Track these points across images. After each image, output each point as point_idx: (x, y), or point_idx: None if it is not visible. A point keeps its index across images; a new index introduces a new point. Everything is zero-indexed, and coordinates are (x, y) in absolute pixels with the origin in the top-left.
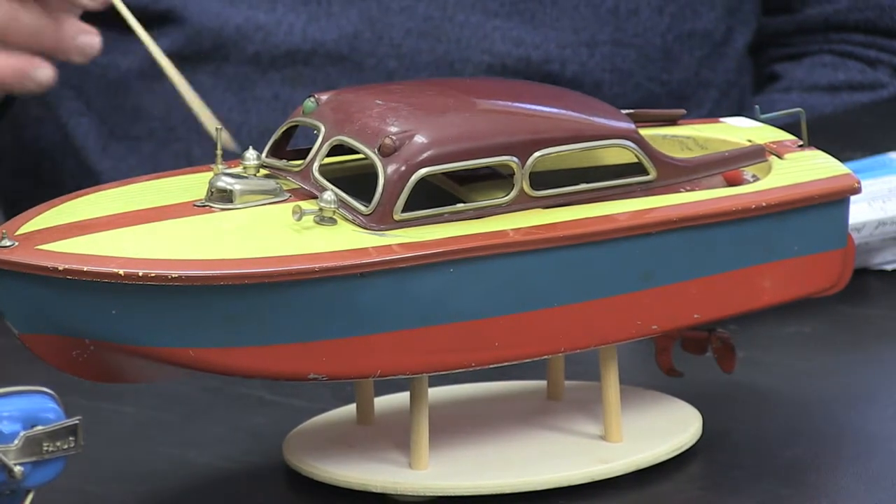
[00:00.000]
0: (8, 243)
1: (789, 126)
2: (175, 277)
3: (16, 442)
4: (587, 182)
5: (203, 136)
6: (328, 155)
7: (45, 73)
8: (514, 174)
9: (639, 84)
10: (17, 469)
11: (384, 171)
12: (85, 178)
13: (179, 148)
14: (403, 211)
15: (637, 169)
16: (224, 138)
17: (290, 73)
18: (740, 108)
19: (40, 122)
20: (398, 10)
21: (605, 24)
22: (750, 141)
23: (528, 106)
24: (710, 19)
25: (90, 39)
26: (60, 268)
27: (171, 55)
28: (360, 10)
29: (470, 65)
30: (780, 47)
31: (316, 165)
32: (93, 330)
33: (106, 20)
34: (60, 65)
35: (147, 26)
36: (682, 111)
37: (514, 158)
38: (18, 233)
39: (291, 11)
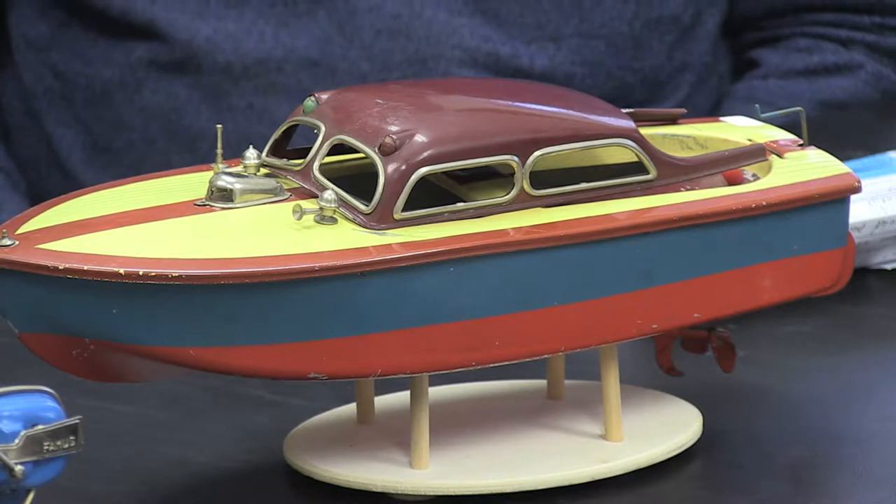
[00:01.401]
0: (8, 242)
1: (789, 125)
2: (175, 277)
3: (16, 441)
4: (587, 181)
5: (182, 148)
6: (328, 154)
7: None
8: (514, 173)
9: (610, 74)
10: (18, 468)
11: (384, 171)
12: (68, 190)
13: (160, 160)
14: (404, 210)
15: (637, 168)
16: None
17: (263, 82)
18: (720, 96)
19: (25, 132)
20: (366, 10)
21: (569, 16)
22: (750, 140)
23: (529, 105)
24: (678, 3)
25: None
26: (61, 267)
27: (149, 65)
28: (328, 12)
29: (442, 61)
30: (754, 31)
31: (316, 165)
32: (93, 329)
33: (93, 28)
34: (50, 75)
35: (125, 38)
36: (683, 110)
37: (515, 157)
38: (18, 232)
39: (260, 18)
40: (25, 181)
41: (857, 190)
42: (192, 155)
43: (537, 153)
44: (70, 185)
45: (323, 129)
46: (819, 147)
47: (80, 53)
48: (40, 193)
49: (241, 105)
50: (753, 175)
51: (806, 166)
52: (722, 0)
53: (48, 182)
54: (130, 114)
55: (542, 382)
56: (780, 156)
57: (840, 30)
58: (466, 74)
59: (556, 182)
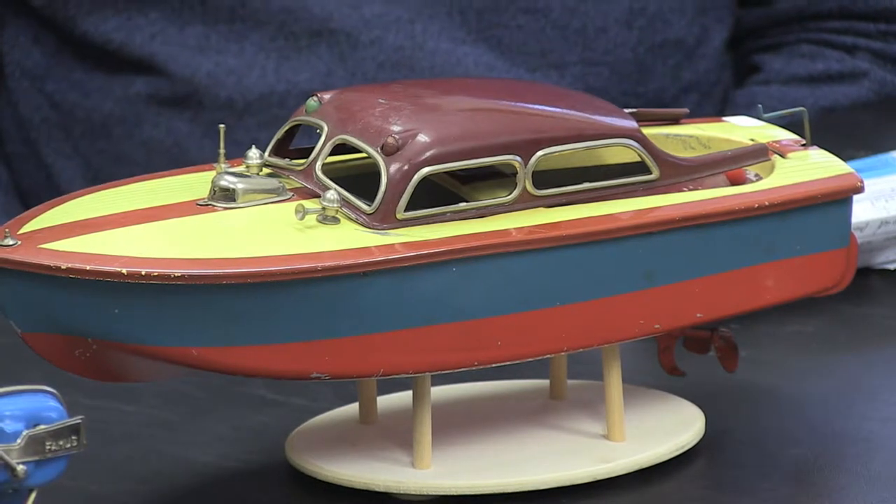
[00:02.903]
0: (10, 242)
1: (792, 125)
2: (178, 276)
3: (18, 441)
4: (590, 181)
5: None
6: (331, 154)
7: None
8: (516, 173)
9: (613, 100)
10: (20, 468)
11: (387, 170)
12: None
13: None
14: (406, 210)
15: (640, 168)
16: None
17: (265, 117)
18: (723, 103)
19: (24, 161)
20: (368, 44)
21: (573, 44)
22: (753, 140)
23: (531, 105)
24: (682, 26)
25: None
26: (63, 267)
27: (149, 100)
28: (329, 45)
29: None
30: (757, 38)
31: (319, 164)
32: (95, 329)
33: (90, 59)
34: (46, 105)
35: (123, 71)
36: (686, 110)
37: (517, 157)
38: (21, 232)
39: (261, 52)
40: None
41: (860, 190)
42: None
43: (540, 153)
44: None
45: (325, 128)
46: (822, 147)
47: (77, 85)
48: None
49: (244, 140)
50: (756, 175)
51: (809, 166)
52: (728, 16)
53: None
54: (132, 147)
55: (545, 382)
56: (782, 156)
57: (845, 36)
58: None
59: (558, 182)
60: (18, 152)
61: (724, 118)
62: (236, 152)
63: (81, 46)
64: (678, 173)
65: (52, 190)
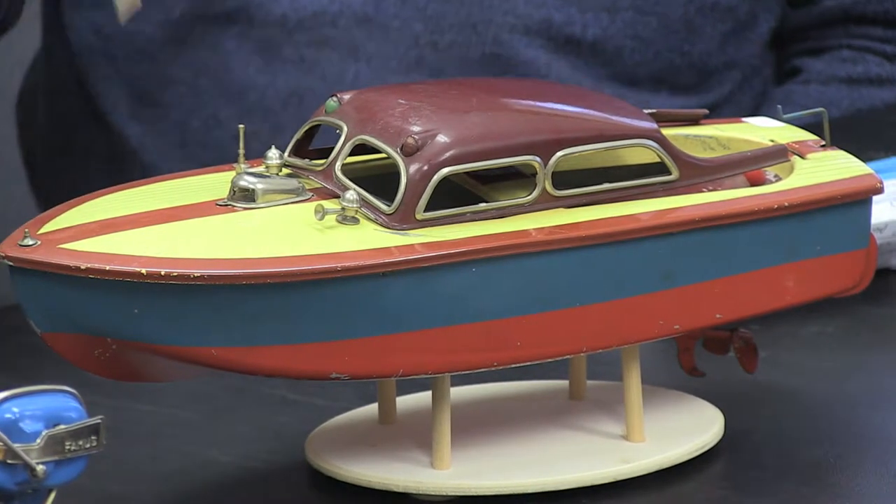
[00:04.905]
0: (30, 242)
1: (812, 126)
2: (197, 277)
3: (38, 441)
4: (609, 182)
5: (230, 101)
6: (351, 154)
7: None
8: (536, 174)
9: (659, 53)
10: (40, 468)
11: (406, 171)
12: (115, 145)
13: (208, 113)
14: (426, 210)
15: (659, 169)
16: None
17: (316, 36)
18: (762, 98)
19: (69, 90)
20: None
21: None
22: (772, 141)
23: (551, 105)
24: None
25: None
26: (83, 267)
27: (194, 17)
28: None
29: (493, 26)
30: (800, 41)
31: (338, 165)
32: (115, 329)
33: None
34: (88, 32)
35: None
36: (705, 111)
37: (537, 158)
38: (41, 232)
39: None
40: (65, 137)
41: (880, 191)
42: (240, 108)
43: (559, 154)
44: (115, 140)
45: (345, 129)
46: (841, 148)
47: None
48: (86, 151)
49: (293, 58)
50: (776, 176)
51: (828, 167)
52: (777, 7)
53: (89, 137)
54: (179, 69)
55: (564, 383)
56: (802, 157)
57: (886, 45)
58: (517, 41)
59: (578, 182)
60: (64, 80)
61: (744, 119)
62: (282, 70)
63: None
64: (698, 174)
65: (97, 116)
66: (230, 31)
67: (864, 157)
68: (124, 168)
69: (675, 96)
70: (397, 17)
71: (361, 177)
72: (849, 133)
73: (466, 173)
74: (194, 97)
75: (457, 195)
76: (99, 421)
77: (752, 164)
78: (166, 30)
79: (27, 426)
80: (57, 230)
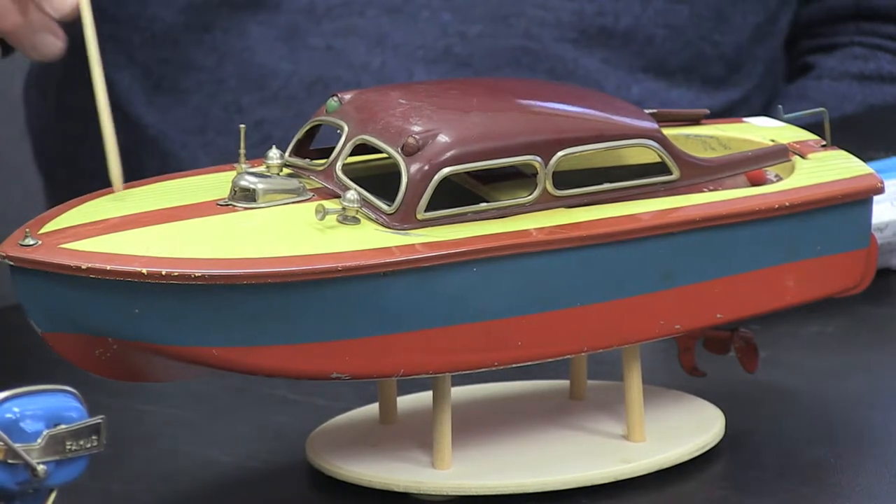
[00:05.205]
0: (31, 242)
1: (812, 126)
2: (198, 277)
3: (39, 441)
4: (610, 181)
5: (252, 87)
6: (351, 154)
7: (49, 42)
8: (537, 174)
9: (690, 42)
10: (41, 468)
11: (407, 171)
12: (131, 133)
13: (229, 99)
14: (426, 210)
15: (660, 168)
16: None
17: (343, 24)
18: (773, 95)
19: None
20: None
21: None
22: (773, 141)
23: (552, 105)
24: None
25: (50, 41)
26: (84, 267)
27: (220, 2)
28: None
29: (524, 18)
30: (811, 38)
31: (339, 165)
32: (116, 329)
33: None
34: (98, 18)
35: None
36: (706, 111)
37: (538, 158)
38: (41, 231)
39: None
40: (81, 130)
41: (880, 191)
42: (261, 96)
43: (560, 153)
44: (132, 127)
45: (346, 129)
46: (842, 148)
47: None
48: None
49: (319, 46)
50: (776, 176)
51: (829, 167)
52: (793, 2)
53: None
54: (201, 54)
55: (565, 383)
56: (802, 156)
57: None
58: (546, 34)
59: (578, 182)
60: (72, 69)
61: (745, 119)
62: (307, 57)
63: None
64: (698, 174)
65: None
66: (257, 17)
67: (877, 153)
68: (141, 156)
69: (704, 91)
70: (426, 6)
71: (362, 177)
72: (860, 129)
73: (467, 173)
74: (216, 84)
75: (457, 195)
76: (100, 421)
77: (752, 164)
78: (189, 15)
79: (28, 426)
80: (58, 230)
